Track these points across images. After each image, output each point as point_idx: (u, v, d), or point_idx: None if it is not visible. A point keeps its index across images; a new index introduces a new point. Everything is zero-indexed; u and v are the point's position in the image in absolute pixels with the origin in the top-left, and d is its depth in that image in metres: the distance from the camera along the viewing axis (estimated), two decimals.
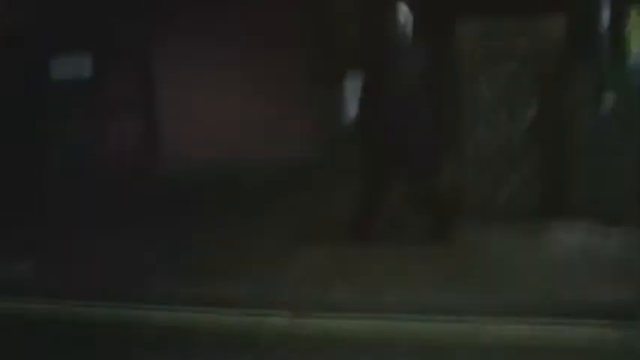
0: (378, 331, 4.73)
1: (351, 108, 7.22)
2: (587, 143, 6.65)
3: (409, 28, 6.26)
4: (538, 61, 6.76)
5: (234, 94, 9.52)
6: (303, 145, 8.76)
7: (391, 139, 6.24)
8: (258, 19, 9.27)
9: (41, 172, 8.96)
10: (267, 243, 6.54)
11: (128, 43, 9.29)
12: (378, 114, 6.28)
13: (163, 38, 9.54)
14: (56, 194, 8.58)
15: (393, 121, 6.19)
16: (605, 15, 6.54)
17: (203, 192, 8.33)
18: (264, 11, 9.11)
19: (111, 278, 5.78)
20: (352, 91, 7.27)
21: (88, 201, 8.22)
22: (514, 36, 6.73)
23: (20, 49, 8.85)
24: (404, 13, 6.22)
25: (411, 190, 6.45)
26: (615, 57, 6.65)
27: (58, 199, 8.47)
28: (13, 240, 6.93)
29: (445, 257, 5.95)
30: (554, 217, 6.67)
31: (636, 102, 6.64)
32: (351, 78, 7.43)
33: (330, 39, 8.51)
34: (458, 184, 6.92)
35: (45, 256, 6.46)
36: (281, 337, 4.73)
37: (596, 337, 4.41)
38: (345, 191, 6.96)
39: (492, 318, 4.66)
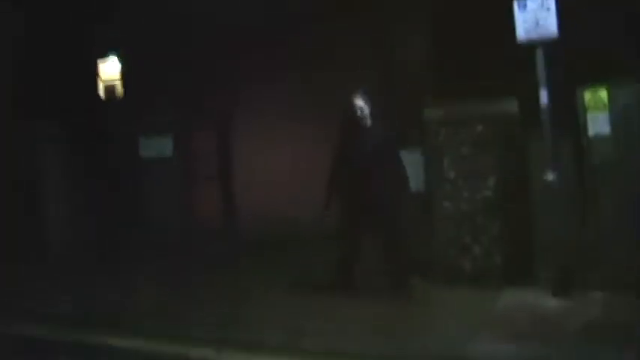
0: None
1: None
2: (540, 217, 7.21)
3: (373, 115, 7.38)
4: (495, 143, 7.49)
5: (300, 164, 10.82)
6: None
7: (362, 207, 7.34)
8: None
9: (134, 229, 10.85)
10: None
11: (205, 124, 11.05)
12: (352, 183, 7.41)
13: (238, 117, 11.20)
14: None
15: (363, 191, 7.30)
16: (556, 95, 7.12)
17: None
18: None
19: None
20: None
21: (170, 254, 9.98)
22: (473, 120, 7.53)
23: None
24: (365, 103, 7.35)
25: (380, 252, 7.46)
26: (567, 134, 7.22)
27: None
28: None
29: (392, 311, 6.93)
30: (511, 284, 7.28)
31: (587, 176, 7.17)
32: None
33: None
34: (427, 250, 7.75)
35: None
36: None
37: None
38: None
39: None
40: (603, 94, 7.22)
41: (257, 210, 10.76)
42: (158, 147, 10.98)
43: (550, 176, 7.01)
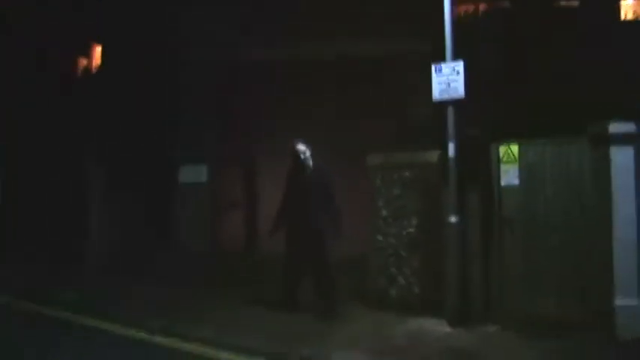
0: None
1: None
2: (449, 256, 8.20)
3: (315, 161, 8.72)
4: (418, 187, 8.58)
5: None
6: None
7: (301, 239, 8.66)
8: None
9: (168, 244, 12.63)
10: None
11: (235, 157, 12.72)
12: (295, 219, 8.75)
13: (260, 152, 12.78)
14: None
15: (304, 225, 8.62)
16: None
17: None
18: None
19: None
20: None
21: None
22: (401, 168, 8.68)
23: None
24: (306, 152, 8.70)
25: (315, 281, 8.72)
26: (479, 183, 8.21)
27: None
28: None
29: (307, 326, 8.17)
30: (425, 312, 8.29)
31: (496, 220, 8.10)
32: None
33: None
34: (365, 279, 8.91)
35: None
36: None
37: None
38: None
39: None
40: (515, 149, 8.13)
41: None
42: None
43: (453, 219, 7.98)
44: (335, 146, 10.17)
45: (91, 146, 12.97)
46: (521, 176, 8.10)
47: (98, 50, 15.59)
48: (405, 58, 10.04)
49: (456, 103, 8.05)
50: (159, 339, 7.91)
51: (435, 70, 8.14)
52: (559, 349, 7.07)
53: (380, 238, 8.84)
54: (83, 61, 15.71)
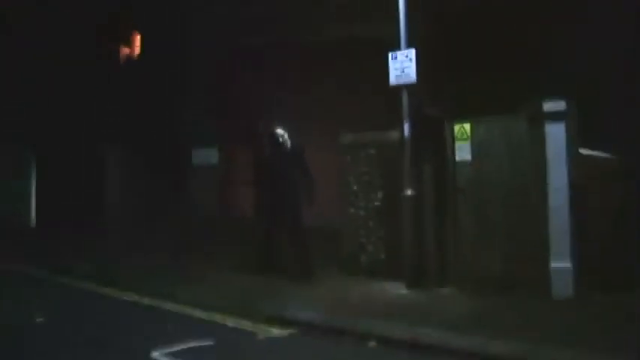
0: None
1: None
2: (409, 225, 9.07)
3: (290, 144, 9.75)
4: (382, 163, 9.48)
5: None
6: None
7: (278, 213, 9.70)
8: None
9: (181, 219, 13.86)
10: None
11: (242, 140, 13.80)
12: (271, 192, 9.82)
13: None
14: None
15: (280, 197, 9.66)
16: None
17: None
18: None
19: None
20: None
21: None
22: (368, 146, 9.59)
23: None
24: (284, 135, 9.73)
25: (290, 246, 9.77)
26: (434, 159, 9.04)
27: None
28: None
29: (278, 287, 9.18)
30: (389, 276, 9.20)
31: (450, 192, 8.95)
32: None
33: None
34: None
35: None
36: None
37: None
38: None
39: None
40: (467, 127, 8.92)
41: None
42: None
43: (408, 192, 8.85)
44: (316, 127, 11.11)
45: (112, 132, 14.24)
46: (472, 151, 8.86)
47: (138, 39, 16.68)
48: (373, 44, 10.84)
49: (409, 87, 8.87)
50: (146, 300, 9.06)
51: (391, 58, 8.97)
52: (495, 304, 7.88)
53: (352, 210, 9.76)
54: (126, 50, 16.84)
